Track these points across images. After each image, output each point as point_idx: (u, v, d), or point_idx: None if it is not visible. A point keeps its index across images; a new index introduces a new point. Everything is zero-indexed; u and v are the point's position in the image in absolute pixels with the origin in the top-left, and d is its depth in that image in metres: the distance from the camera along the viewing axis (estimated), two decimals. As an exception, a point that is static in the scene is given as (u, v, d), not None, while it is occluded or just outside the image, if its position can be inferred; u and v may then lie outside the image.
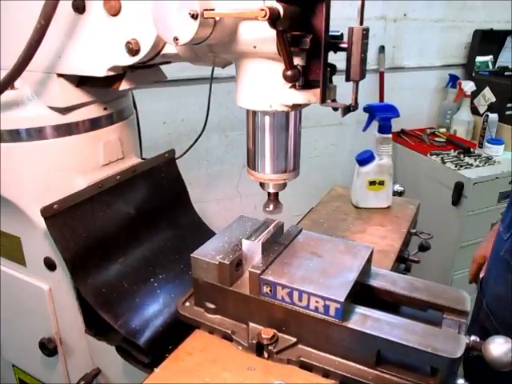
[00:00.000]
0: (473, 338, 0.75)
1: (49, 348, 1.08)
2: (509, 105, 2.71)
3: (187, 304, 0.91)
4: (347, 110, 0.76)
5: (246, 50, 0.72)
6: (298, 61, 0.71)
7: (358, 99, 0.77)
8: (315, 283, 0.80)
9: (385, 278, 0.90)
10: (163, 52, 0.84)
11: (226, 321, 0.87)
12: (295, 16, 0.65)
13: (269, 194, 0.88)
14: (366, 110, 1.37)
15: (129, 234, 1.07)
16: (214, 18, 0.66)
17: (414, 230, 1.34)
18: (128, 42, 0.81)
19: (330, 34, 0.70)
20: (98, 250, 1.00)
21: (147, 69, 0.97)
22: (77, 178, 1.01)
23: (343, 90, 0.80)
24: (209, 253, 0.87)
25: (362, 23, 0.71)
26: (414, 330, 0.75)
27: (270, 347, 0.80)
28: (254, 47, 0.71)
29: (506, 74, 2.95)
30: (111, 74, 0.90)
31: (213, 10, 0.66)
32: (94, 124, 1.02)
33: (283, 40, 0.65)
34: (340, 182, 1.65)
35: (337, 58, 0.75)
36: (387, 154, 1.39)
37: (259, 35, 0.69)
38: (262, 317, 0.83)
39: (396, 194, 1.47)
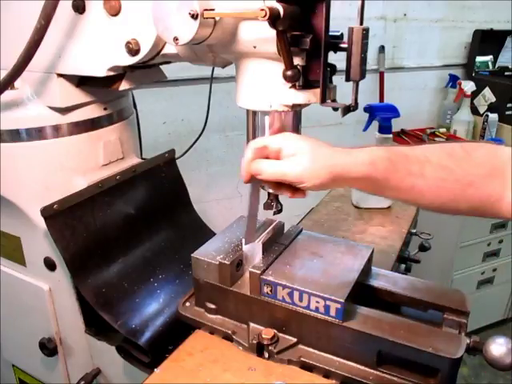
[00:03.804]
0: (473, 338, 0.75)
1: (49, 348, 1.08)
2: (509, 105, 2.71)
3: (188, 304, 0.91)
4: (347, 110, 0.76)
5: (245, 50, 0.72)
6: (298, 61, 0.71)
7: (358, 99, 0.77)
8: (316, 283, 0.79)
9: (385, 278, 0.90)
10: (163, 52, 0.84)
11: (226, 321, 0.87)
12: (295, 16, 0.65)
13: (269, 193, 0.88)
14: (366, 110, 1.37)
15: (129, 234, 1.07)
16: (213, 18, 0.66)
17: (415, 230, 1.35)
18: (128, 42, 0.81)
19: (330, 34, 0.70)
20: (98, 249, 1.00)
21: (147, 69, 0.97)
22: (77, 178, 1.01)
23: (343, 89, 0.80)
24: (209, 253, 0.87)
25: (362, 23, 0.71)
26: (414, 331, 0.75)
27: (270, 347, 0.80)
28: (254, 47, 0.71)
29: (506, 73, 2.95)
30: (111, 74, 0.90)
31: (213, 10, 0.66)
32: (93, 124, 1.02)
33: (283, 40, 0.65)
34: (340, 182, 1.65)
35: (337, 58, 0.75)
36: (387, 154, 1.38)
37: (259, 35, 0.69)
38: (262, 317, 0.83)
39: (396, 194, 1.46)
